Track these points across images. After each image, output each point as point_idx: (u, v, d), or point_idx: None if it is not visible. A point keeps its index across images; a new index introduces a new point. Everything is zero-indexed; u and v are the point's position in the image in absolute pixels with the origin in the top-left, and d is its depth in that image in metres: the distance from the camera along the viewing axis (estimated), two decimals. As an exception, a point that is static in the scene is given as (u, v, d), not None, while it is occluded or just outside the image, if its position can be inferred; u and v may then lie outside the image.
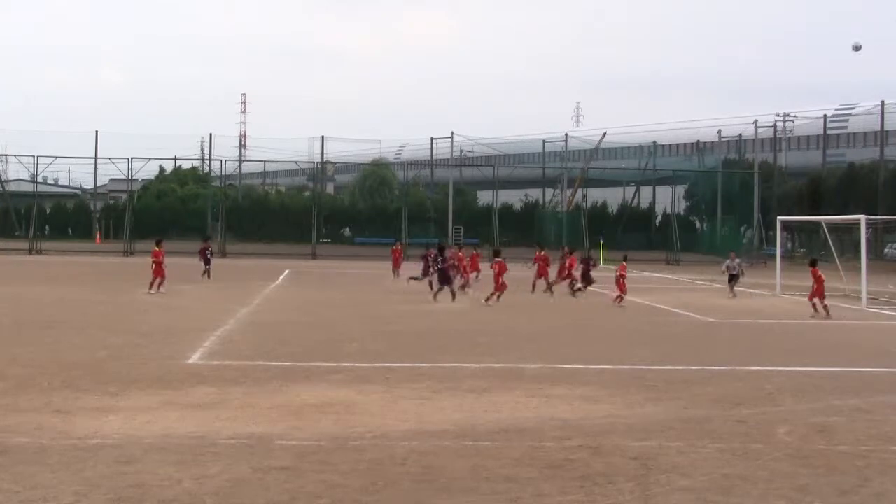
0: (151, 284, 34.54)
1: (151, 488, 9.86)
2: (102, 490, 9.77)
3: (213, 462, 10.92)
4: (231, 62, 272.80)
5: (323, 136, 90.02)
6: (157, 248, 35.49)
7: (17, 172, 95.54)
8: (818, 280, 30.82)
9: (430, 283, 35.64)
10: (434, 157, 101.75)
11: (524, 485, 10.31)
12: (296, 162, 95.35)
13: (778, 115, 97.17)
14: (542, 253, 39.35)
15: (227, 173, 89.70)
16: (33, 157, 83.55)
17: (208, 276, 43.15)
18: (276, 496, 9.69)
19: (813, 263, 32.67)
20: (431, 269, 36.53)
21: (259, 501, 9.56)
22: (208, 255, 44.85)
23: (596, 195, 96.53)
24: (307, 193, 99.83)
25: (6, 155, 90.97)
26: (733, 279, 39.25)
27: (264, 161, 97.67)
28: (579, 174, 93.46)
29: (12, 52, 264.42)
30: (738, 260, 41.66)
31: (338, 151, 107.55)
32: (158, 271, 34.81)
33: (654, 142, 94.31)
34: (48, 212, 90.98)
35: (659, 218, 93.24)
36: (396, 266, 47.67)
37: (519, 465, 11.12)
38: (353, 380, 16.96)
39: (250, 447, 11.65)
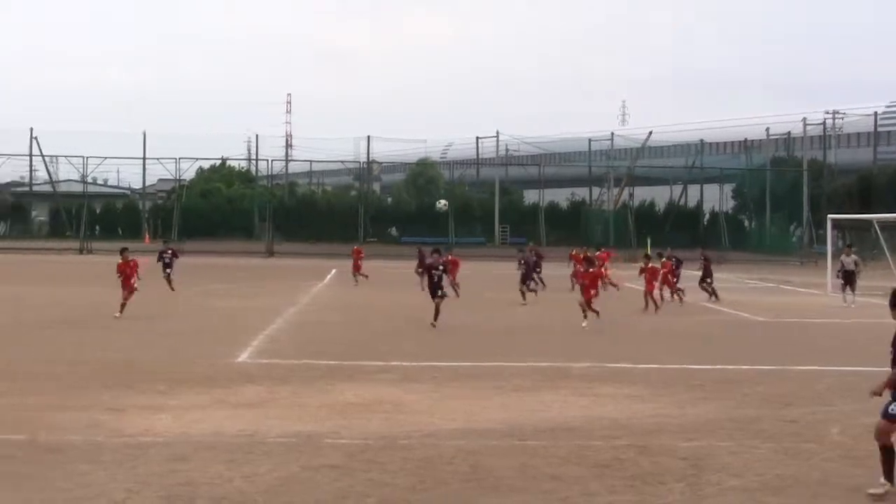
0: (122, 305, 26.83)
1: (202, 486, 9.93)
2: (153, 488, 9.85)
3: (262, 460, 10.98)
4: (277, 62, 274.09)
5: (369, 136, 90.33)
6: (120, 260, 28.03)
7: (67, 173, 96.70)
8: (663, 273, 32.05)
9: (521, 292, 33.83)
10: (480, 157, 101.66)
11: (572, 484, 10.27)
12: (342, 161, 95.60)
13: (827, 113, 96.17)
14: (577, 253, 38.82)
15: (274, 173, 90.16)
16: (83, 157, 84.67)
17: (169, 285, 34.84)
18: (324, 495, 9.72)
19: (659, 256, 33.88)
20: (526, 275, 34.68)
21: (308, 500, 9.60)
22: (167, 259, 36.05)
23: (642, 194, 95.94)
24: (353, 193, 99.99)
25: (57, 156, 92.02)
26: (849, 277, 34.52)
27: (310, 161, 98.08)
28: (626, 173, 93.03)
29: (62, 53, 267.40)
30: (854, 256, 35.46)
31: (383, 151, 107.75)
32: (126, 285, 27.22)
33: (702, 140, 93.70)
34: (98, 212, 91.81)
35: (706, 216, 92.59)
36: (357, 269, 42.98)
37: (567, 464, 11.09)
38: (401, 379, 16.99)
39: (299, 446, 11.70)
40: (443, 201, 25.62)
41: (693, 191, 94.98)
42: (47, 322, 25.26)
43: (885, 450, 9.88)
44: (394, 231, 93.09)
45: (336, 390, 15.71)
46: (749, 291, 41.57)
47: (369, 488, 9.97)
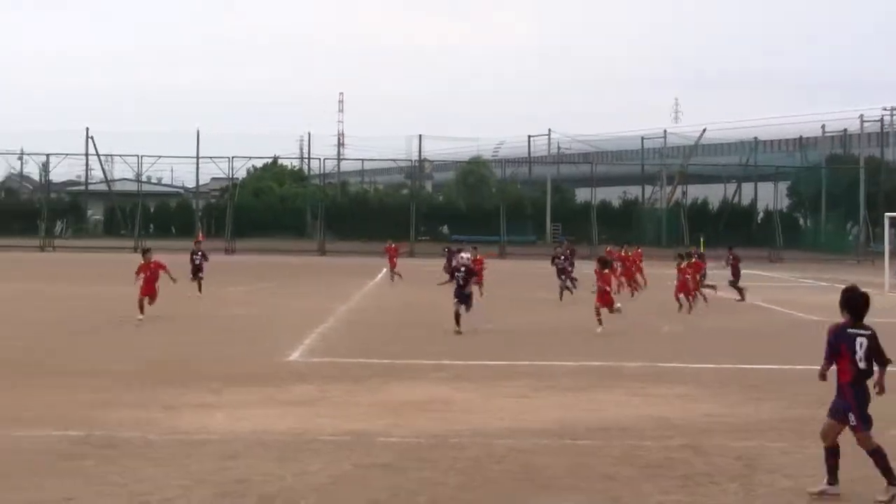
0: (140, 306, 25.21)
1: (254, 483, 10.00)
2: (207, 485, 9.93)
3: (314, 458, 11.02)
4: (328, 61, 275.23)
5: (420, 135, 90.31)
6: (143, 262, 26.19)
7: (122, 172, 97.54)
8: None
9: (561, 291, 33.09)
10: (531, 155, 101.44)
11: (624, 484, 10.22)
12: (394, 160, 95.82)
13: (885, 109, 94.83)
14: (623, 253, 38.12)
15: (326, 172, 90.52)
16: (138, 156, 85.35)
17: (199, 288, 32.33)
18: (376, 493, 9.74)
19: (689, 256, 32.09)
20: (563, 270, 33.72)
21: (359, 498, 9.63)
22: (197, 261, 33.19)
23: (696, 192, 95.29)
24: (405, 191, 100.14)
25: (112, 155, 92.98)
26: None
27: (362, 159, 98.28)
28: (678, 171, 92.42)
29: (116, 54, 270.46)
30: None
31: (435, 150, 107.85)
32: (147, 289, 25.57)
33: (756, 138, 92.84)
34: (152, 210, 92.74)
35: (761, 215, 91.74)
36: (392, 266, 42.36)
37: (619, 463, 11.04)
38: (452, 377, 17.00)
39: (350, 444, 11.74)
40: (465, 254, 22.43)
41: (747, 189, 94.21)
42: (102, 320, 25.53)
43: (831, 450, 9.92)
44: (445, 229, 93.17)
45: (387, 389, 15.75)
46: (803, 290, 41.16)
47: (420, 487, 9.99)
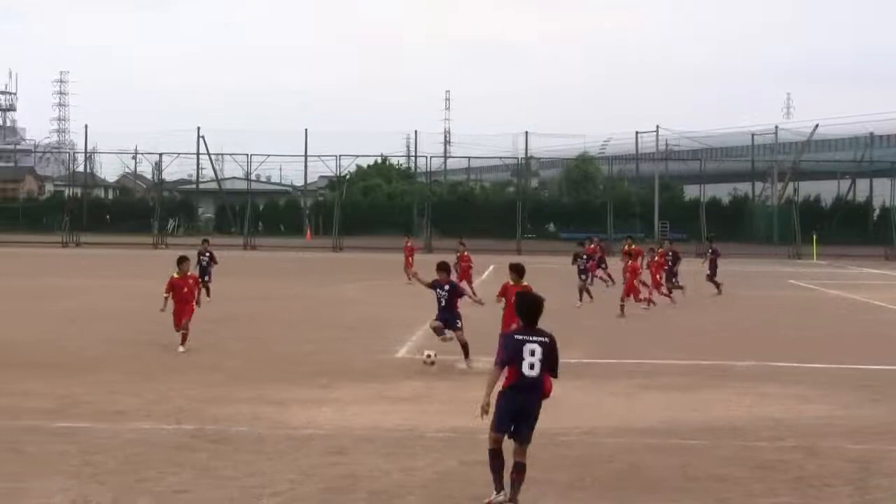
0: (183, 337, 19.51)
1: (362, 479, 10.08)
2: (315, 479, 10.04)
3: (420, 454, 11.07)
4: (435, 60, 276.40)
5: (527, 132, 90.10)
6: (176, 276, 19.97)
7: (232, 171, 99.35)
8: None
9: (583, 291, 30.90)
10: (639, 152, 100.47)
11: (734, 485, 10.07)
12: (500, 157, 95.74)
13: None
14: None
15: (432, 170, 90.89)
16: (247, 155, 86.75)
17: (207, 293, 28.64)
18: (482, 490, 9.74)
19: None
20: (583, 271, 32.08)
21: (465, 494, 9.65)
22: (204, 263, 30.89)
23: (808, 188, 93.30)
24: (511, 189, 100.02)
25: (222, 154, 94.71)
26: None
27: (468, 157, 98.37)
28: (790, 167, 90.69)
29: (224, 55, 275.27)
30: None
31: (541, 147, 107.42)
32: (182, 309, 19.62)
33: (871, 132, 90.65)
34: (261, 209, 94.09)
35: (877, 211, 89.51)
36: (408, 265, 39.49)
37: (729, 464, 10.87)
38: (560, 375, 16.85)
39: (457, 440, 11.76)
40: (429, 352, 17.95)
41: (862, 185, 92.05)
42: (214, 317, 25.96)
43: (496, 454, 9.48)
44: (552, 227, 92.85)
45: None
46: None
47: (527, 484, 9.94)
